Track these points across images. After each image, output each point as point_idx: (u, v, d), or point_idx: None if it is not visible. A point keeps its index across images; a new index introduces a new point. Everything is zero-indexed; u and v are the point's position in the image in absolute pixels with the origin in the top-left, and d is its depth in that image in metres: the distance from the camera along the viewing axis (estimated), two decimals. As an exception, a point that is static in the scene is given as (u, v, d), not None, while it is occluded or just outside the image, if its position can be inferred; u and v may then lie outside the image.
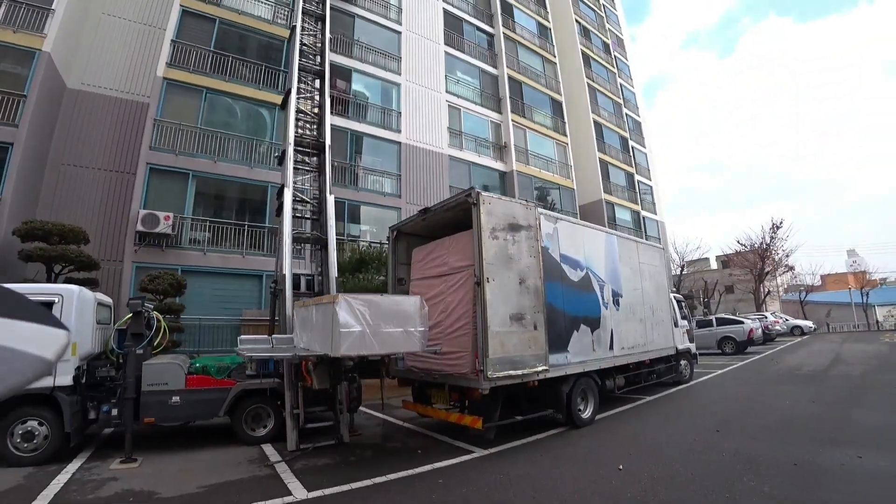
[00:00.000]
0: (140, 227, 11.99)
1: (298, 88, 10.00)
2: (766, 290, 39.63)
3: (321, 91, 10.23)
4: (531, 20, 26.25)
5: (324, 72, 10.41)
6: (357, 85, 17.62)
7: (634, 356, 9.00)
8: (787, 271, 42.42)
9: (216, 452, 6.40)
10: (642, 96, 36.02)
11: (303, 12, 11.13)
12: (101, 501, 4.59)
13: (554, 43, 26.93)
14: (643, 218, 29.51)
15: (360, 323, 5.07)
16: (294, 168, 8.80)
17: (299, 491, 4.77)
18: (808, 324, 33.17)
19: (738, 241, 41.09)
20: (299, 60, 10.22)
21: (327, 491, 4.76)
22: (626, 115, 31.96)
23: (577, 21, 30.19)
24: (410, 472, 5.32)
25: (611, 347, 8.21)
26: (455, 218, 6.99)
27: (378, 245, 14.31)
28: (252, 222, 13.96)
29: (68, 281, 10.87)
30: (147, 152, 12.96)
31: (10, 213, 11.38)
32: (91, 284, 10.90)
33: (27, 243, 10.45)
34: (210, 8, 15.04)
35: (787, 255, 38.95)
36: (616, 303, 8.66)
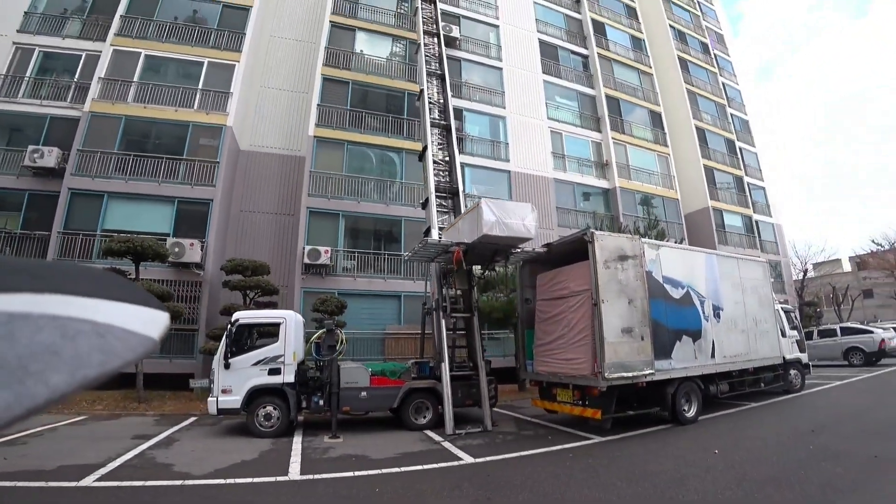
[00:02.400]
0: (306, 260, 15.14)
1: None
2: (914, 292, 35.33)
3: (448, 143, 12.43)
4: (624, 35, 26.91)
5: (450, 126, 12.61)
6: (468, 122, 19.92)
7: (737, 364, 9.93)
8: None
9: (393, 434, 8.63)
10: (759, 80, 34.31)
11: (427, 74, 13.54)
12: (333, 460, 6.86)
13: (649, 53, 27.28)
14: (756, 222, 28.37)
15: (494, 215, 8.26)
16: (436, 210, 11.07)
17: (467, 458, 6.74)
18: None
19: (873, 241, 37.13)
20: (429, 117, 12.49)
21: (487, 458, 6.68)
22: (732, 115, 30.93)
23: (671, 26, 30.05)
24: (546, 449, 7.10)
25: (712, 356, 9.31)
26: (572, 250, 8.69)
27: (497, 269, 16.34)
28: (390, 251, 16.72)
29: (257, 304, 14.28)
30: (306, 198, 16.22)
31: (214, 253, 15.08)
32: (272, 305, 14.26)
33: (230, 276, 13.96)
34: (343, 73, 18.24)
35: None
36: (717, 316, 9.71)
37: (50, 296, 0.41)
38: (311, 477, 5.85)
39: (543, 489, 5.32)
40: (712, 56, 32.01)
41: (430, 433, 8.63)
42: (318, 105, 17.39)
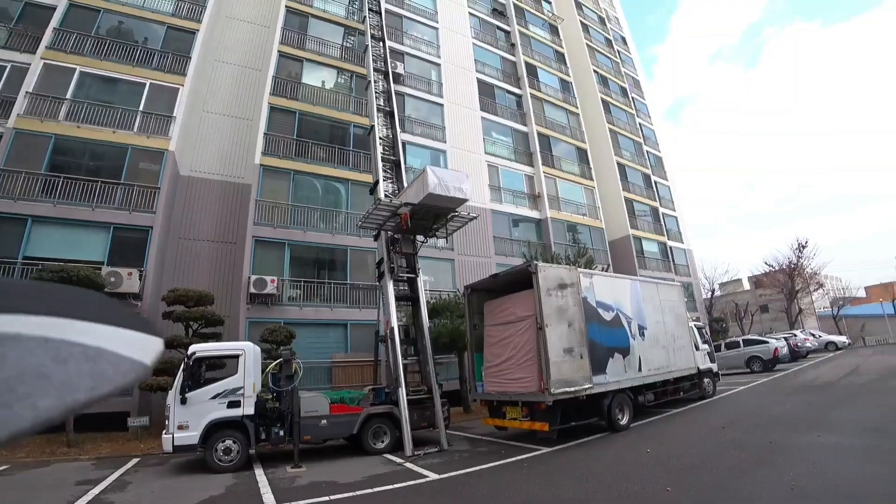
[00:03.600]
0: (252, 290, 15.00)
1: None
2: (799, 307, 40.30)
3: (398, 177, 13.11)
4: (554, 77, 29.31)
5: (398, 161, 13.32)
6: (411, 155, 20.75)
7: (660, 376, 11.23)
8: (818, 288, 42.98)
9: (353, 460, 8.92)
10: (668, 120, 38.47)
11: (376, 110, 14.23)
12: (303, 487, 7.10)
13: (575, 95, 29.85)
14: (670, 248, 31.42)
15: (437, 178, 9.92)
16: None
17: (432, 475, 7.24)
18: (842, 339, 33.84)
19: (766, 262, 42.14)
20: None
21: (451, 474, 7.23)
22: (647, 152, 34.33)
23: (594, 71, 33.14)
24: (502, 461, 7.77)
25: (640, 369, 10.51)
26: (517, 280, 9.59)
27: (440, 296, 17.05)
28: (336, 280, 16.91)
29: (200, 336, 13.92)
30: (252, 227, 16.13)
31: (153, 282, 14.59)
32: (215, 337, 13.97)
33: (172, 306, 13.56)
34: (291, 103, 18.50)
35: (816, 274, 39.77)
36: (642, 334, 10.98)
37: (41, 318, 0.41)
38: (288, 504, 6.09)
39: (507, 494, 5.97)
40: (630, 99, 35.52)
41: (389, 456, 8.99)
42: (264, 134, 17.48)
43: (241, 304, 15.31)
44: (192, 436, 8.22)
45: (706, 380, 13.61)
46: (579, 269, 9.87)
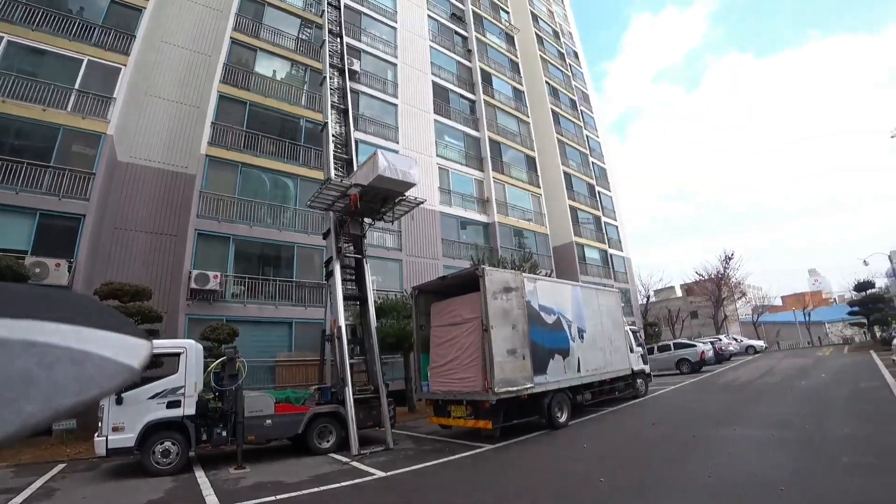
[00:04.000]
0: (193, 285, 14.45)
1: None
2: (724, 314, 43.45)
3: (349, 175, 13.07)
4: (507, 85, 30.05)
5: (351, 159, 13.28)
6: (363, 154, 20.61)
7: (597, 376, 11.89)
8: (741, 297, 46.57)
9: (298, 460, 8.87)
10: (613, 133, 40.30)
11: (331, 106, 14.10)
12: (249, 488, 7.01)
13: (527, 104, 30.75)
14: (611, 256, 33.02)
15: (387, 162, 10.26)
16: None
17: (379, 473, 7.36)
18: (761, 343, 36.92)
19: (696, 272, 45.15)
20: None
21: (397, 471, 7.38)
22: (593, 163, 35.90)
23: (546, 82, 34.28)
24: (447, 458, 8.01)
25: (578, 370, 11.09)
26: (464, 282, 9.88)
27: (387, 296, 17.11)
28: (282, 277, 16.58)
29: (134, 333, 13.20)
30: (195, 220, 15.51)
31: (84, 274, 13.74)
32: (154, 334, 13.36)
33: (105, 301, 12.84)
34: (242, 93, 17.91)
35: (740, 283, 43.10)
36: (581, 337, 11.59)
37: (28, 321, 0.40)
38: (232, 505, 6.02)
39: (454, 489, 6.21)
40: (579, 111, 37.00)
41: (335, 455, 9.01)
42: (212, 123, 16.84)
43: (181, 299, 14.71)
44: (127, 438, 7.88)
45: (639, 380, 14.51)
46: (524, 274, 10.32)
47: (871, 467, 5.59)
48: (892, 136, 34.42)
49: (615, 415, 11.73)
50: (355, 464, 8.15)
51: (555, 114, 33.34)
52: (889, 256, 36.24)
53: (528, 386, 9.26)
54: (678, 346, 24.46)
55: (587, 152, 35.48)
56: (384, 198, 11.41)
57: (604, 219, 34.06)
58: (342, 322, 10.24)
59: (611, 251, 33.37)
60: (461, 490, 6.20)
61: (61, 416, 0.39)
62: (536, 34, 35.90)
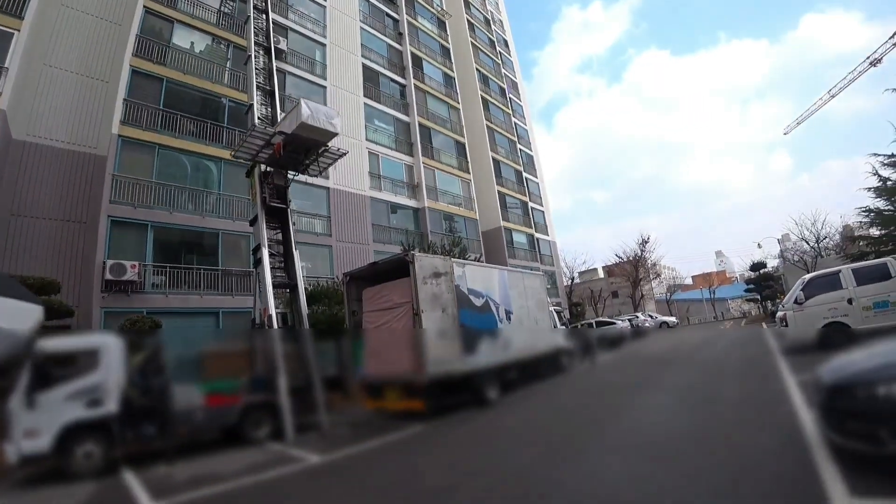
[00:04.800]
0: (108, 276, 13.57)
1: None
2: (641, 293, 47.09)
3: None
4: (438, 71, 30.20)
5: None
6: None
7: (524, 355, 12.71)
8: (656, 277, 50.62)
9: (235, 451, 8.78)
10: (541, 120, 41.81)
11: (256, 87, 13.64)
12: (182, 483, 6.90)
13: (458, 90, 31.12)
14: (537, 240, 34.58)
15: (310, 110, 10.58)
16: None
17: (315, 458, 7.55)
18: (673, 319, 40.51)
19: (616, 254, 48.44)
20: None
21: (335, 455, 7.61)
22: (521, 150, 37.13)
23: (477, 70, 34.80)
24: (383, 439, 8.35)
25: (506, 349, 11.81)
26: (394, 268, 10.16)
27: (318, 282, 16.97)
28: (206, 266, 15.93)
29: (45, 329, 12.24)
30: (107, 206, 14.50)
31: (-25, 266, 12.48)
32: (64, 329, 12.46)
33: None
34: (158, 68, 16.78)
35: (655, 265, 46.80)
36: (508, 318, 12.31)
37: None
38: (167, 501, 5.98)
39: (390, 469, 6.56)
40: (508, 99, 37.96)
41: (271, 444, 9.05)
42: (124, 100, 15.68)
43: (95, 291, 13.76)
44: (43, 443, 7.43)
45: (563, 357, 15.61)
46: (452, 259, 10.77)
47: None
48: (785, 133, 38.64)
49: (541, 389, 12.62)
50: (292, 451, 8.27)
51: (484, 101, 34.03)
52: (778, 240, 40.94)
53: (459, 366, 9.77)
54: (600, 324, 26.35)
55: (515, 139, 36.63)
56: (308, 149, 11.71)
57: (531, 204, 35.50)
58: (273, 310, 10.18)
59: (537, 235, 34.92)
60: (398, 468, 6.56)
61: None
62: (468, 21, 36.23)
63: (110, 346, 8.48)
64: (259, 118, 12.20)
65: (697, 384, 10.24)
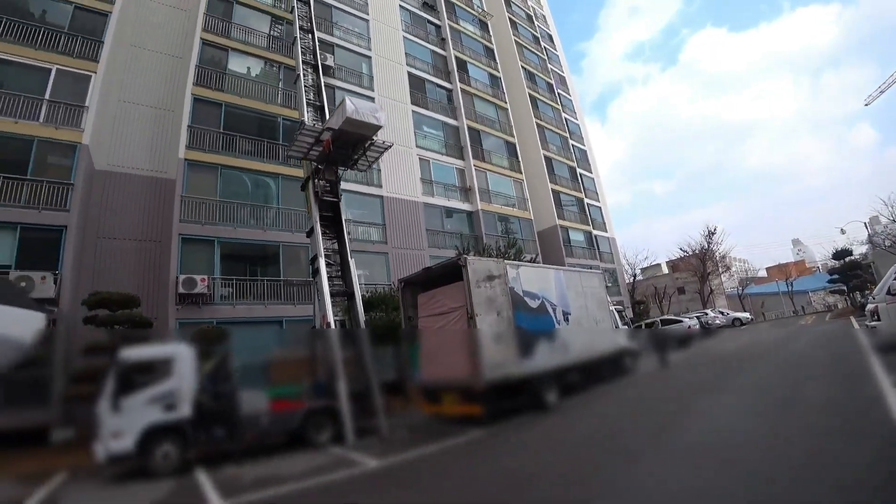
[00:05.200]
0: (181, 290, 14.50)
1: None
2: (710, 288, 44.40)
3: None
4: (483, 72, 30.10)
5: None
6: (343, 149, 20.71)
7: (584, 356, 12.26)
8: (725, 271, 47.57)
9: (298, 454, 9.07)
10: (593, 113, 40.71)
11: (306, 104, 14.16)
12: (249, 483, 7.22)
13: (504, 90, 30.85)
14: (595, 237, 33.48)
15: (354, 106, 11.19)
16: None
17: (373, 462, 7.63)
18: (746, 315, 37.83)
19: (680, 248, 45.98)
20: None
21: (392, 460, 7.65)
22: (573, 146, 36.19)
23: (523, 68, 34.35)
24: (440, 444, 8.30)
25: (565, 352, 11.44)
26: (448, 272, 10.11)
27: (375, 289, 17.28)
28: (270, 277, 16.68)
29: (125, 339, 13.29)
30: (178, 224, 15.52)
31: (71, 285, 13.72)
32: (144, 341, 13.42)
33: (94, 311, 12.85)
34: (216, 94, 17.84)
35: (723, 257, 43.99)
36: (566, 319, 11.92)
37: None
38: (235, 500, 6.24)
39: (446, 475, 6.50)
40: (556, 95, 37.17)
41: (332, 448, 9.26)
42: (188, 126, 16.77)
43: (170, 305, 14.75)
44: (127, 443, 8.02)
45: (626, 358, 14.94)
46: (506, 262, 10.57)
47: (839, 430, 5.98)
48: (867, 104, 35.19)
49: (603, 392, 12.12)
50: (351, 455, 8.40)
51: (532, 98, 33.51)
52: (866, 224, 37.20)
53: (516, 370, 9.55)
54: (665, 322, 25.07)
55: (567, 135, 35.76)
56: (354, 144, 12.34)
57: (586, 200, 34.48)
58: (331, 318, 10.44)
59: (595, 232, 33.84)
60: (455, 475, 6.49)
61: None
62: (510, 19, 35.89)
63: (183, 354, 9.03)
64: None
65: (774, 386, 9.42)
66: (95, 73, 15.32)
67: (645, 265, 45.07)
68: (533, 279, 11.28)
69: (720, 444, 5.91)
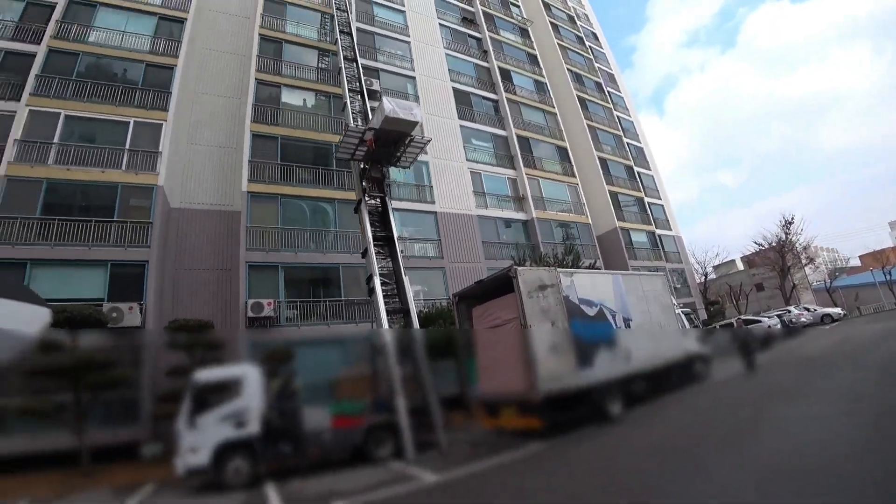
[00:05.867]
0: (250, 313, 15.40)
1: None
2: (793, 283, 40.89)
3: (382, 194, 13.57)
4: (528, 79, 29.91)
5: (381, 178, 13.78)
6: (393, 169, 21.24)
7: (649, 364, 11.66)
8: (809, 262, 43.60)
9: (357, 469, 9.22)
10: (650, 107, 39.20)
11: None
12: (313, 498, 7.46)
13: (552, 95, 30.45)
14: (659, 237, 31.96)
15: (392, 105, 12.20)
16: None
17: (436, 476, 7.62)
18: (837, 311, 34.32)
19: (755, 242, 42.73)
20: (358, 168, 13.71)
21: (451, 474, 7.63)
22: (628, 144, 34.96)
23: (568, 70, 33.80)
24: (499, 458, 8.18)
25: (628, 360, 10.94)
26: (500, 284, 10.04)
27: (434, 304, 17.48)
28: (331, 297, 17.33)
29: (202, 361, 14.27)
30: (245, 253, 16.54)
31: (154, 314, 14.95)
32: (217, 361, 14.35)
33: (173, 335, 13.93)
34: (272, 128, 19.00)
35: (805, 248, 40.41)
36: (627, 325, 11.44)
37: None
38: (299, 513, 6.49)
39: (506, 489, 6.42)
40: (606, 93, 36.18)
41: (392, 463, 9.38)
42: (249, 161, 17.92)
43: (241, 328, 15.68)
44: (202, 458, 8.57)
45: (697, 364, 14.05)
46: (558, 270, 10.32)
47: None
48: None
49: (671, 401, 11.44)
50: (410, 469, 8.46)
51: (581, 100, 32.81)
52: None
53: (575, 381, 9.26)
54: (744, 322, 23.37)
55: (620, 133, 34.62)
56: (395, 141, 13.41)
57: (647, 199, 33.07)
58: (388, 334, 10.64)
59: (658, 232, 32.31)
60: (514, 489, 6.37)
61: None
62: (551, 23, 35.53)
63: (251, 375, 9.55)
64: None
65: (870, 392, 8.45)
66: (166, 121, 16.85)
67: (716, 262, 42.40)
68: (589, 286, 10.96)
69: (803, 460, 5.40)
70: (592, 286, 11.07)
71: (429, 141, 14.02)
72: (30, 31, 16.51)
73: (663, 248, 31.84)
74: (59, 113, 15.77)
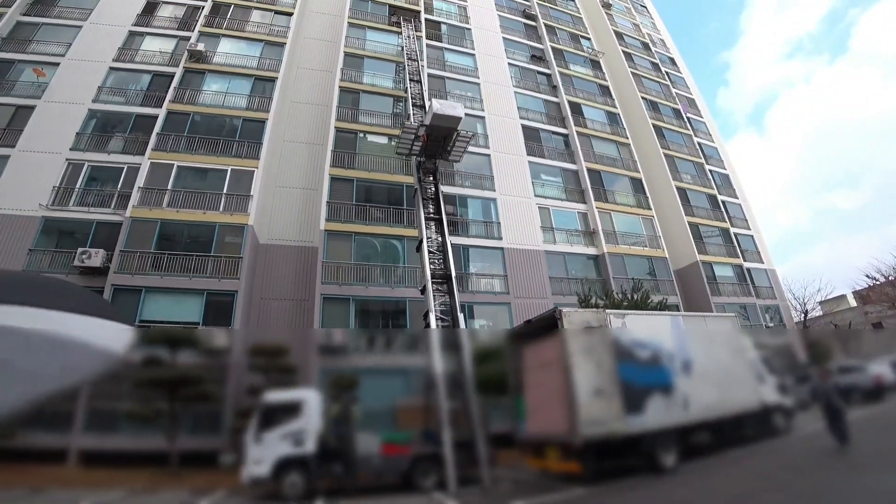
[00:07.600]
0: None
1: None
2: (921, 324, 35.44)
3: (441, 233, 14.32)
4: (600, 112, 29.71)
5: (441, 218, 14.53)
6: (462, 206, 22.10)
7: (713, 413, 11.00)
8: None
9: (402, 496, 9.68)
10: (750, 126, 36.97)
11: (421, 170, 15.76)
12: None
13: (624, 125, 29.93)
14: (748, 270, 29.56)
15: (439, 104, 15.23)
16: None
17: (469, 513, 7.88)
18: (981, 359, 29.27)
19: (867, 275, 37.70)
20: (423, 210, 14.61)
21: (486, 512, 7.82)
22: (711, 171, 33.08)
23: (643, 98, 33.01)
24: (539, 500, 8.22)
25: (686, 408, 10.44)
26: (547, 325, 10.19)
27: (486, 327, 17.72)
28: (398, 328, 18.25)
29: (276, 382, 15.63)
30: (320, 286, 18.01)
31: (239, 338, 16.66)
32: (290, 384, 15.63)
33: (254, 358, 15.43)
34: (348, 172, 20.71)
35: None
36: (687, 370, 10.94)
37: (8, 307, 0.37)
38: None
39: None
40: (685, 120, 34.74)
41: (436, 494, 9.69)
42: (327, 202, 19.65)
43: (314, 355, 16.96)
44: (264, 470, 9.48)
45: (775, 415, 12.92)
46: (608, 311, 10.27)
47: None
48: None
49: (740, 457, 10.64)
50: (450, 501, 8.75)
51: (657, 128, 31.80)
52: None
53: (621, 427, 9.08)
54: (844, 369, 20.78)
55: (702, 161, 32.89)
56: (444, 137, 15.64)
57: (733, 230, 30.85)
58: (439, 368, 11.14)
59: (747, 265, 29.89)
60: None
61: (42, 403, 0.36)
62: (623, 51, 35.09)
63: (311, 398, 10.47)
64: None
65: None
66: (257, 168, 19.18)
67: (819, 298, 38.03)
68: (643, 327, 10.73)
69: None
70: (648, 327, 10.81)
71: (472, 135, 16.73)
72: (153, 98, 19.83)
73: (753, 283, 29.34)
74: (173, 164, 18.62)
